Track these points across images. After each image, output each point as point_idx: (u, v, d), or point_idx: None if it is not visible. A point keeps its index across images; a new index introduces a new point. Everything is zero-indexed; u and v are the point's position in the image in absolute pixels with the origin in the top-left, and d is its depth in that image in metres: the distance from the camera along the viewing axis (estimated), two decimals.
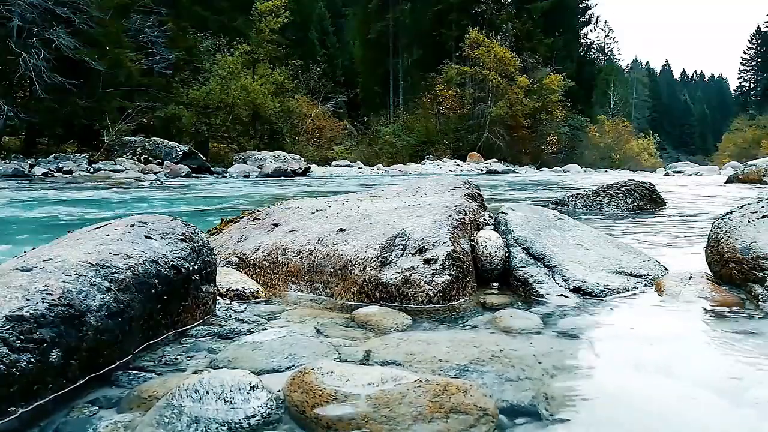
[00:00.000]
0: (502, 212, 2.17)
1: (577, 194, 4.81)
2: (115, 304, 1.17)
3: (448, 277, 1.71)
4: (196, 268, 1.47)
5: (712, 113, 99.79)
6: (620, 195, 4.55)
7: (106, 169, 15.65)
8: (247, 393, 0.93)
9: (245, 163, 20.61)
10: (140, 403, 1.00)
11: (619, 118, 52.78)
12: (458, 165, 28.10)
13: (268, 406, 0.93)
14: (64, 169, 15.18)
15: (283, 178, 16.05)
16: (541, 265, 1.86)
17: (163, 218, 1.58)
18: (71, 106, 17.82)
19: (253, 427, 0.89)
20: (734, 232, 1.79)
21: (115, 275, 1.22)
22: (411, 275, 1.70)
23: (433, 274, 1.71)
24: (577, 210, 4.54)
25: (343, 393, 0.95)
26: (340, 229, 1.97)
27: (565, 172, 25.15)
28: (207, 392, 0.91)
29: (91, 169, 15.65)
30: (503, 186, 11.83)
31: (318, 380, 0.99)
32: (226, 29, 27.99)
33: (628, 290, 1.76)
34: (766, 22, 77.67)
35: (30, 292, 1.06)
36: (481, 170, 24.35)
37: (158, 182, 12.23)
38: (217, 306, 1.60)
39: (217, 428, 0.87)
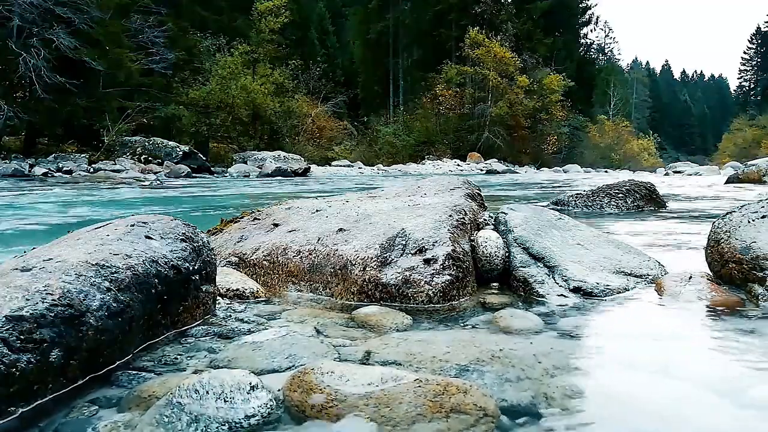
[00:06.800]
0: (502, 212, 2.17)
1: (577, 194, 4.81)
2: (115, 304, 1.17)
3: (448, 277, 1.71)
4: (196, 268, 1.47)
5: (712, 113, 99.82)
6: (620, 195, 4.55)
7: (106, 169, 15.67)
8: (247, 393, 0.93)
9: (245, 163, 20.66)
10: (140, 403, 1.00)
11: (619, 118, 52.86)
12: (458, 165, 28.12)
13: (268, 405, 0.93)
14: (64, 169, 15.19)
15: (283, 178, 16.05)
16: (541, 265, 1.86)
17: (163, 218, 1.58)
18: (71, 106, 17.83)
19: (253, 426, 0.89)
20: (734, 232, 1.78)
21: (115, 275, 1.22)
22: (411, 275, 1.70)
23: (433, 274, 1.71)
24: (577, 210, 4.54)
25: (343, 393, 0.95)
26: (340, 229, 1.97)
27: (565, 172, 25.18)
28: (207, 392, 0.91)
29: (91, 169, 15.68)
30: (503, 186, 11.83)
31: (318, 380, 0.99)
32: (226, 29, 28.04)
33: (628, 290, 1.76)
34: (766, 22, 77.73)
35: (30, 292, 1.06)
36: (481, 170, 24.37)
37: (158, 182, 12.22)
38: (217, 306, 1.60)
39: (217, 428, 0.87)
